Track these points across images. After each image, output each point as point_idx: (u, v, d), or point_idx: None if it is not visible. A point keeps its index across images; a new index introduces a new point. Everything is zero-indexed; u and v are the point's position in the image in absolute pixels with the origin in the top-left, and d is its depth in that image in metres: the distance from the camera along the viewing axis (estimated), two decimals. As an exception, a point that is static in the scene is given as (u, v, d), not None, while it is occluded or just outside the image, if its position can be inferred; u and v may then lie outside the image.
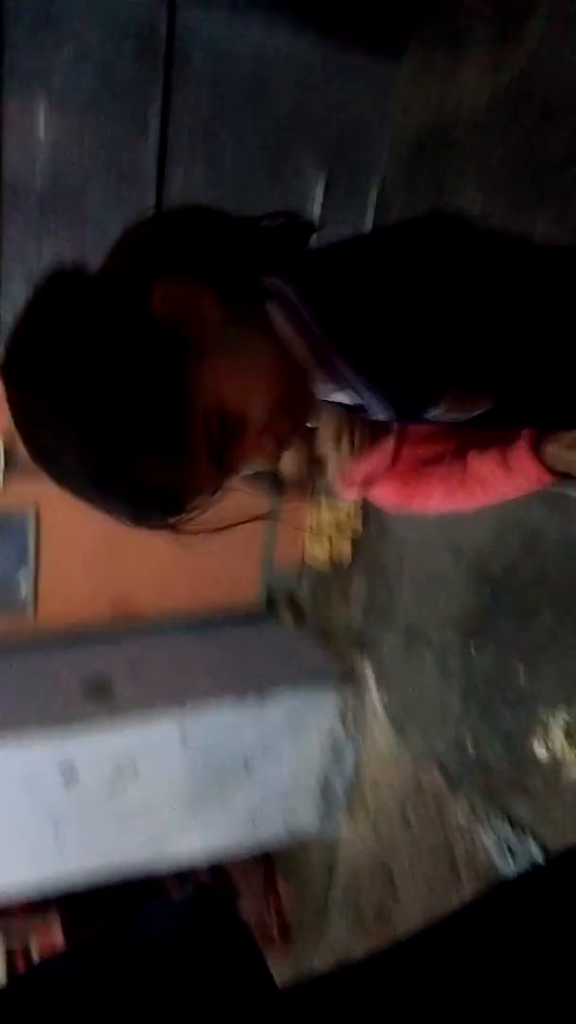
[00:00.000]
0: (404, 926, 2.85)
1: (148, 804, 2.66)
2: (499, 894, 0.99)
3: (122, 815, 2.62)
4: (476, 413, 0.76)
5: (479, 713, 2.42)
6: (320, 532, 3.00)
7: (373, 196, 2.44)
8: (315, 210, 2.35)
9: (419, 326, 0.65)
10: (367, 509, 2.85)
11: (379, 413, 0.75)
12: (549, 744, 2.14)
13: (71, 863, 2.60)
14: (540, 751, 2.16)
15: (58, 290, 0.66)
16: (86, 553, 2.74)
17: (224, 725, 2.67)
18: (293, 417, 0.70)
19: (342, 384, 0.74)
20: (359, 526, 2.89)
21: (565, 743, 2.08)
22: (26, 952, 2.83)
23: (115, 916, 0.71)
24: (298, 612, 3.20)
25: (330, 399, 0.81)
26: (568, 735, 2.08)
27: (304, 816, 3.04)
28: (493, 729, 2.37)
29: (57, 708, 2.52)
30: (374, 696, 2.87)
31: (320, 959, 3.30)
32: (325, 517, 2.95)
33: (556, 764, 2.12)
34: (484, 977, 0.78)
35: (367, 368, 0.70)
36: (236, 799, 2.85)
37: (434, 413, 0.75)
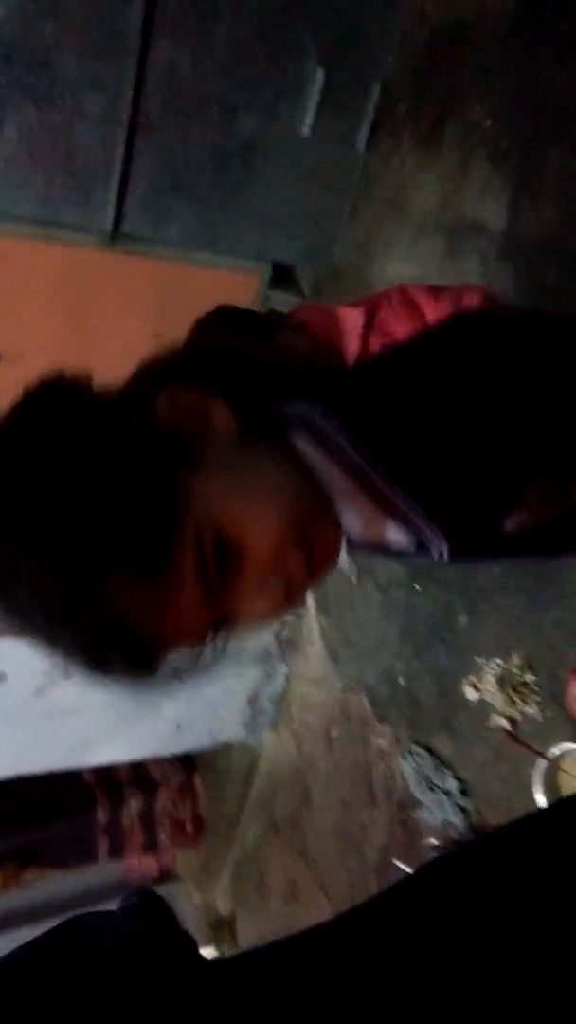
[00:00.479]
0: (314, 837, 2.99)
1: (76, 708, 2.65)
2: (437, 870, 1.00)
3: (49, 716, 2.60)
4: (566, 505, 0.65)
5: (415, 650, 2.46)
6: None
7: (373, 100, 2.24)
8: (309, 109, 2.15)
9: (474, 432, 0.56)
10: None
11: (436, 549, 0.64)
12: (480, 689, 2.19)
13: (-5, 760, 2.59)
14: (471, 694, 2.22)
15: (48, 392, 0.57)
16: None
17: (160, 638, 2.65)
18: (310, 557, 0.59)
19: (392, 516, 0.62)
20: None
21: (497, 690, 2.14)
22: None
23: (56, 931, 0.67)
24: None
25: (375, 542, 0.68)
26: (500, 683, 2.14)
27: (230, 726, 3.10)
28: (427, 667, 2.42)
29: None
30: (312, 620, 2.89)
31: (230, 857, 3.46)
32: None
33: (484, 708, 2.18)
34: (422, 953, 0.78)
35: (419, 493, 0.58)
36: (164, 707, 2.87)
37: (515, 522, 0.64)
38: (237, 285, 2.60)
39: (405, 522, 0.62)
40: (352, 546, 0.68)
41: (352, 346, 1.43)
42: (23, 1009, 0.63)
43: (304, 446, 0.58)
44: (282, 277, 2.75)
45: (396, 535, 0.67)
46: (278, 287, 2.74)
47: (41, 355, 2.45)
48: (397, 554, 0.71)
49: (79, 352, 2.50)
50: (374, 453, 0.57)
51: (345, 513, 0.61)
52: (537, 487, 0.62)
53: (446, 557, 0.68)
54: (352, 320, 1.45)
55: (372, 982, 0.79)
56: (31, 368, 2.22)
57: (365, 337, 1.43)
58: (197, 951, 0.76)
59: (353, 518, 0.62)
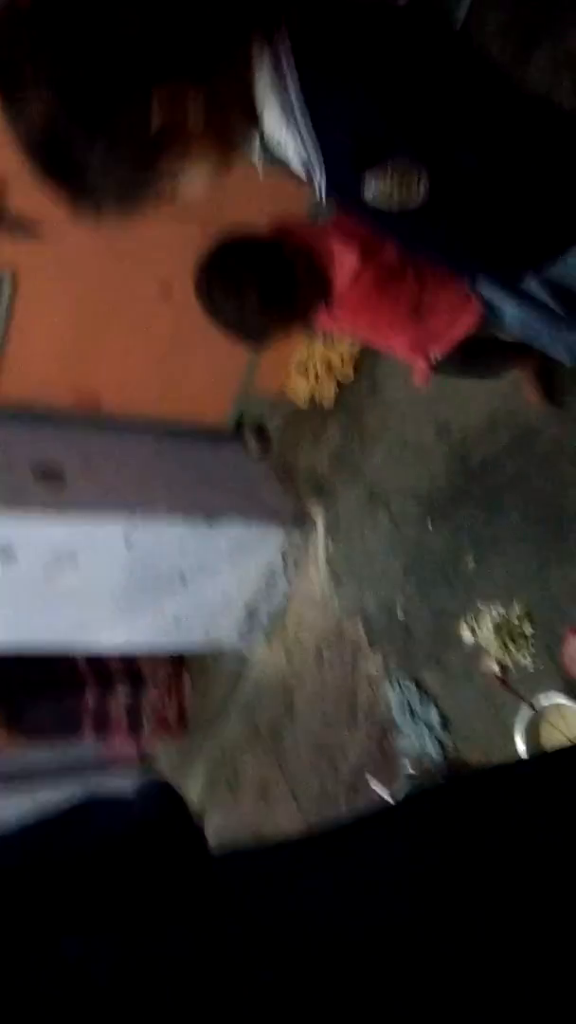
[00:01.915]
0: (292, 747, 3.10)
1: (80, 594, 2.71)
2: (418, 802, 1.03)
3: (54, 599, 2.66)
4: (411, 205, 0.81)
5: (417, 585, 2.49)
6: (307, 367, 2.88)
7: None
8: None
9: (380, 88, 0.75)
10: (362, 361, 2.72)
11: (317, 174, 0.84)
12: (477, 632, 2.23)
13: (-4, 633, 2.67)
14: (466, 635, 2.25)
15: None
16: (60, 332, 2.56)
17: (169, 538, 2.68)
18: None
19: (297, 137, 0.82)
20: (350, 374, 2.77)
21: (493, 636, 2.17)
22: None
23: (71, 810, 0.69)
24: (264, 443, 3.14)
25: (279, 150, 0.89)
26: (497, 629, 2.17)
27: (225, 631, 3.17)
28: (426, 603, 2.45)
29: (3, 485, 2.46)
30: (319, 542, 2.91)
31: (208, 752, 3.60)
32: (317, 353, 2.81)
33: (477, 651, 2.22)
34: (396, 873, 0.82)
35: (323, 122, 0.80)
36: (165, 606, 2.93)
37: (371, 192, 0.81)
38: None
39: (303, 144, 0.83)
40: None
41: None
42: (27, 881, 0.66)
43: (264, 68, 0.80)
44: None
45: (293, 155, 0.88)
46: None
47: (81, 231, 2.38)
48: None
49: (122, 233, 2.42)
50: (305, 80, 0.78)
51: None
52: (391, 164, 0.80)
53: (322, 189, 0.89)
54: None
55: (350, 891, 0.82)
56: (73, 244, 2.13)
57: None
58: (206, 843, 0.79)
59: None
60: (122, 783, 3.78)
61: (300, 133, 0.82)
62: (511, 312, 1.11)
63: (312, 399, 2.91)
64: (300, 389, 2.93)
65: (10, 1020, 0.54)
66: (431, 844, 0.81)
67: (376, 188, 0.81)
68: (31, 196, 2.24)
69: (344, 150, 0.82)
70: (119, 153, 0.82)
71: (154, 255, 2.51)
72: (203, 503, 2.77)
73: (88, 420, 2.82)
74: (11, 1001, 0.55)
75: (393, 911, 0.70)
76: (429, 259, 1.25)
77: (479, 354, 1.73)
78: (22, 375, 2.61)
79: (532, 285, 0.98)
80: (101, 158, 0.82)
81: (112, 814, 0.74)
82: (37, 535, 2.45)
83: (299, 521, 2.92)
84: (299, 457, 3.06)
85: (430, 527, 2.44)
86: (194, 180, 0.89)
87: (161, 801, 0.77)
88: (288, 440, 3.13)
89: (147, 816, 0.74)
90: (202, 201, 0.93)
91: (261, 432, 3.15)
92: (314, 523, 2.92)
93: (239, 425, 3.14)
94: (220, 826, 3.54)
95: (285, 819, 3.11)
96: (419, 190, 0.81)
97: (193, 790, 3.72)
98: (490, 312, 1.21)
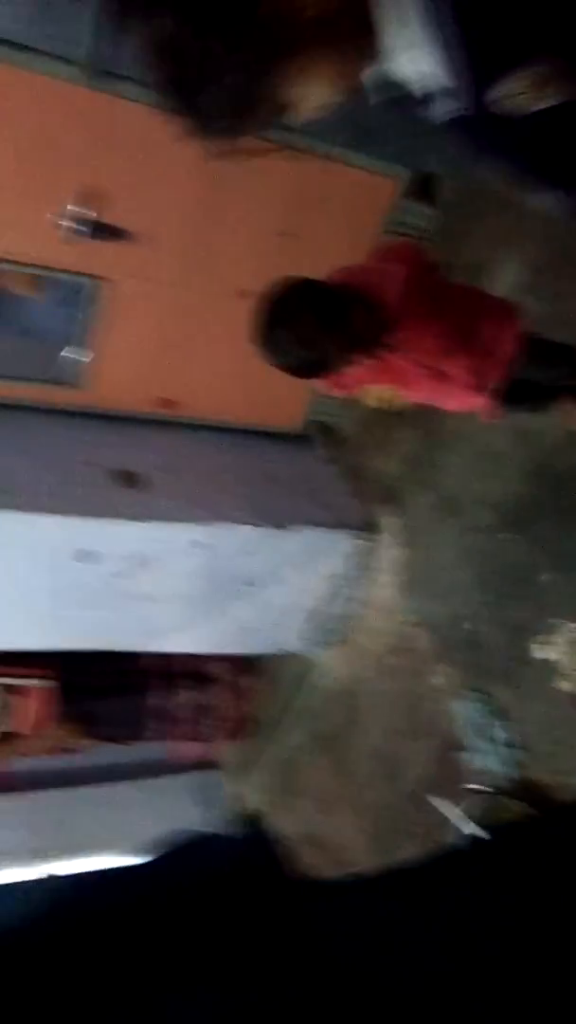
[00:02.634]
0: (353, 755, 3.07)
1: (151, 595, 2.74)
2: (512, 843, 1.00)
3: (128, 601, 2.71)
4: (542, 104, 0.78)
5: (490, 599, 2.43)
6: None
7: None
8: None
9: None
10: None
11: (450, 77, 0.79)
12: (549, 649, 2.17)
13: (65, 633, 2.72)
14: (538, 653, 2.19)
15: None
16: (145, 339, 2.61)
17: (240, 543, 2.69)
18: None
19: (430, 34, 0.77)
20: (424, 381, 2.73)
21: (566, 654, 2.11)
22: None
23: (165, 846, 0.69)
24: (335, 447, 3.12)
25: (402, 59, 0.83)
26: (572, 646, 2.10)
27: (290, 637, 3.17)
28: (498, 617, 2.39)
29: (86, 488, 2.51)
30: (388, 549, 2.88)
31: (268, 756, 3.59)
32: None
33: (549, 669, 2.16)
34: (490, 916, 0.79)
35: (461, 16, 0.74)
36: (233, 609, 2.95)
37: (505, 89, 0.77)
38: (372, 189, 2.49)
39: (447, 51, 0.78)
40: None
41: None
42: (133, 923, 0.65)
43: None
44: (419, 188, 2.60)
45: (417, 61, 0.83)
46: (413, 197, 2.60)
47: (169, 240, 2.42)
48: (409, 103, 0.88)
49: (206, 240, 2.46)
50: None
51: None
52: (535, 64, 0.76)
53: (449, 100, 0.83)
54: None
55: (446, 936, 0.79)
56: (164, 251, 2.18)
57: None
58: (297, 888, 0.77)
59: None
60: (185, 785, 3.82)
61: (430, 32, 0.77)
62: None
63: (384, 403, 2.88)
64: (375, 393, 2.90)
65: None
66: (521, 887, 0.78)
67: (510, 88, 0.78)
68: (127, 208, 2.31)
69: (479, 48, 0.78)
70: (235, 59, 0.78)
71: (234, 264, 2.53)
72: (274, 508, 2.77)
73: (167, 425, 2.86)
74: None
75: (484, 957, 0.67)
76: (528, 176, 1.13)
77: (524, 394, 1.79)
78: (109, 381, 2.67)
79: None
80: (217, 63, 0.79)
81: (220, 853, 0.73)
82: (115, 539, 2.49)
83: (368, 527, 2.89)
84: (370, 462, 3.03)
85: (504, 539, 2.38)
86: (311, 94, 0.84)
87: (260, 845, 0.76)
88: (360, 444, 3.11)
89: (249, 859, 0.73)
90: (318, 115, 0.88)
91: (332, 436, 3.13)
92: (383, 529, 2.89)
93: (311, 429, 3.13)
94: (279, 831, 3.52)
95: (345, 829, 3.08)
96: (553, 92, 0.78)
97: (253, 793, 3.73)
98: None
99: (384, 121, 2.29)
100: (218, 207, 2.41)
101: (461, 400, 1.74)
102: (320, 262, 2.62)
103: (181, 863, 0.72)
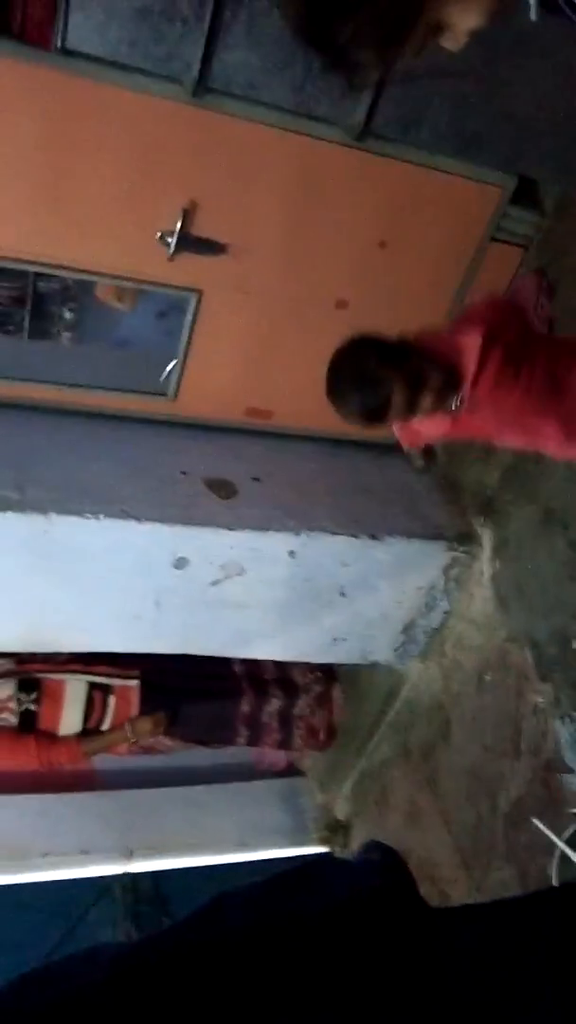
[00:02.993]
0: (446, 771, 3.00)
1: (243, 603, 2.75)
2: None
3: (217, 606, 2.72)
4: None
5: (596, 616, 2.33)
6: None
7: None
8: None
9: None
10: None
11: None
12: None
13: (162, 637, 2.76)
14: None
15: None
16: (238, 349, 2.61)
17: (332, 553, 2.67)
18: None
19: None
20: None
21: None
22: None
23: (296, 872, 0.69)
24: (430, 456, 3.06)
25: None
26: None
27: (380, 648, 3.12)
28: (606, 636, 2.29)
29: (182, 497, 2.54)
30: (485, 562, 2.80)
31: (357, 768, 3.56)
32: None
33: None
34: None
35: None
36: (323, 619, 2.93)
37: None
38: (476, 197, 2.42)
39: None
40: None
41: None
42: (255, 942, 0.64)
43: None
44: (524, 194, 2.52)
45: None
46: (519, 204, 2.52)
47: (263, 250, 2.41)
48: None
49: (301, 250, 2.44)
50: None
51: None
52: None
53: None
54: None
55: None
56: (259, 262, 2.19)
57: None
58: (429, 909, 0.75)
59: None
60: (271, 791, 3.83)
61: None
62: None
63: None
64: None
65: None
66: None
67: None
68: (224, 221, 2.32)
69: None
70: None
71: (331, 275, 2.51)
72: (367, 518, 2.73)
73: (259, 434, 2.86)
74: None
75: None
76: None
77: None
78: (200, 391, 2.68)
79: None
80: None
81: (339, 876, 0.72)
82: (211, 547, 2.51)
83: (464, 539, 2.82)
84: (467, 472, 2.96)
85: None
86: (462, 18, 0.79)
87: (385, 867, 0.74)
88: (456, 453, 3.04)
89: (372, 881, 0.71)
90: (465, 43, 0.81)
91: (426, 445, 3.07)
92: (480, 542, 2.81)
93: (404, 439, 3.08)
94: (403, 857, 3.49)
95: (436, 845, 3.02)
96: None
97: (340, 805, 3.70)
98: None
99: (491, 125, 2.22)
100: (315, 217, 2.39)
101: (557, 450, 1.71)
102: (420, 273, 2.59)
103: (302, 879, 0.71)
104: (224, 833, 3.61)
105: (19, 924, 3.15)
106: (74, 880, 3.34)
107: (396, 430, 1.81)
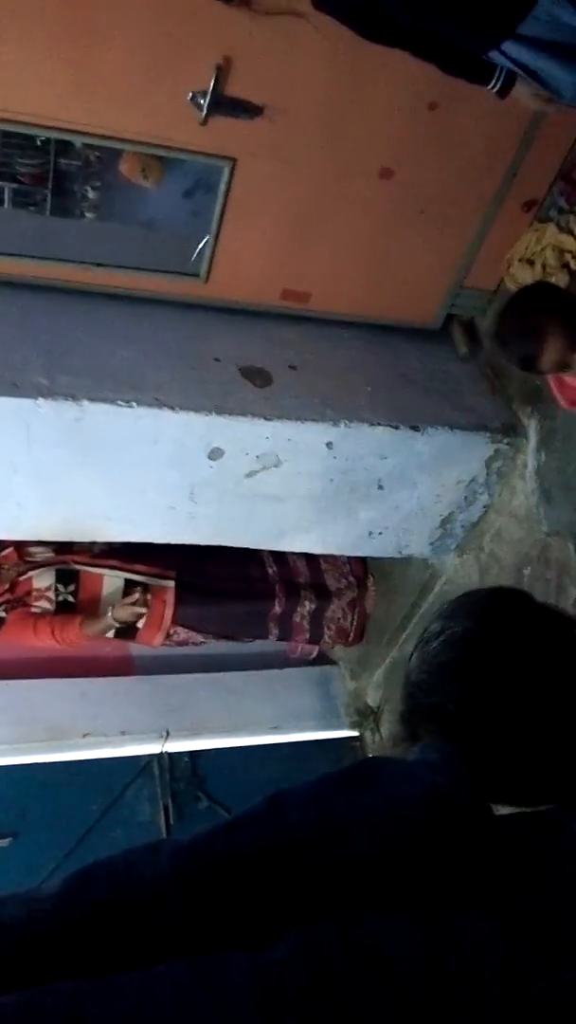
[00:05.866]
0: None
1: (279, 495, 2.70)
2: None
3: (253, 498, 2.67)
4: None
5: None
6: (534, 256, 2.58)
7: None
8: None
9: None
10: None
11: None
12: None
13: (196, 529, 2.73)
14: None
15: None
16: (275, 224, 2.44)
17: (371, 444, 2.58)
18: None
19: None
20: (585, 267, 2.46)
21: None
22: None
23: (352, 771, 0.66)
24: (476, 343, 2.91)
25: None
26: None
27: (417, 542, 3.08)
28: None
29: (215, 385, 2.44)
30: (530, 454, 2.70)
31: (388, 658, 3.60)
32: (548, 238, 2.51)
33: None
34: None
35: None
36: (360, 512, 2.87)
37: None
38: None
39: None
40: None
41: None
42: (318, 838, 0.62)
43: None
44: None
45: None
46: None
47: (303, 113, 2.21)
48: None
49: (345, 113, 2.23)
50: None
51: None
52: None
53: None
54: None
55: None
56: (298, 126, 1.99)
57: None
58: (489, 810, 0.72)
59: None
60: (304, 678, 3.91)
61: None
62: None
63: None
64: (523, 281, 2.65)
65: (319, 996, 0.51)
66: None
67: None
68: (259, 80, 2.11)
69: None
70: None
71: (376, 140, 2.30)
72: (408, 408, 2.63)
73: (296, 319, 2.72)
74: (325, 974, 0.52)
75: None
76: None
77: None
78: (233, 272, 2.53)
79: None
80: None
81: (398, 776, 0.69)
82: (243, 437, 2.43)
83: (508, 430, 2.71)
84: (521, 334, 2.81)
85: None
86: None
87: (445, 767, 0.71)
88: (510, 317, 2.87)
89: (436, 780, 0.68)
90: None
91: (473, 331, 2.92)
92: (526, 433, 2.70)
93: (448, 322, 2.92)
94: (394, 734, 3.57)
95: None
96: None
97: (371, 692, 3.77)
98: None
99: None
100: (360, 75, 2.16)
101: None
102: (474, 138, 2.36)
103: (360, 778, 0.69)
104: (258, 717, 3.72)
105: (62, 800, 3.30)
106: (113, 759, 3.47)
107: (554, 386, 1.88)
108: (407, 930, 0.55)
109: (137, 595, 3.05)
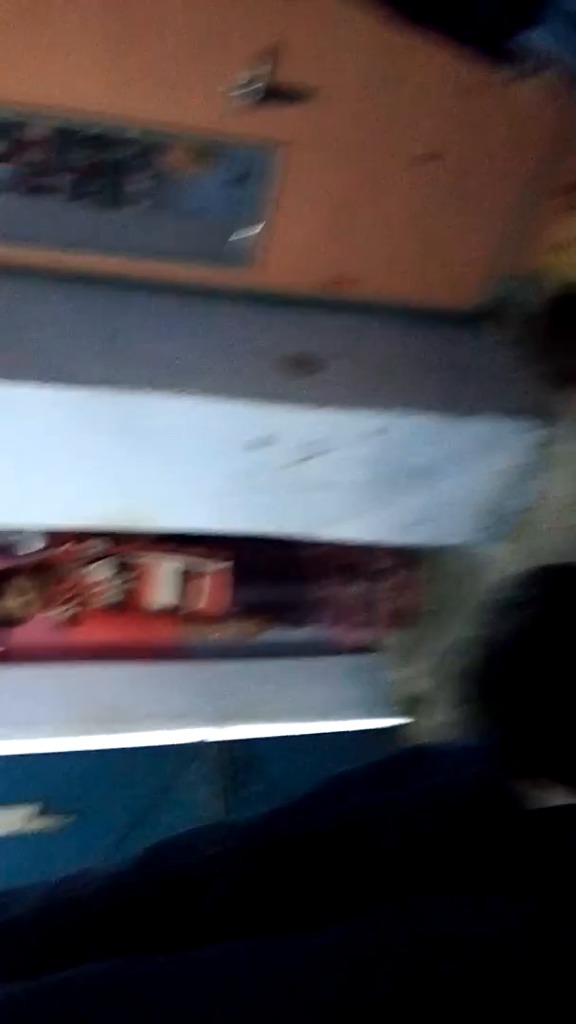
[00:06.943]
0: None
1: (325, 482, 2.71)
2: None
3: (301, 487, 2.69)
4: None
5: None
6: (572, 243, 2.55)
7: None
8: None
9: None
10: None
11: None
12: None
13: (246, 518, 2.76)
14: None
15: None
16: (320, 212, 2.45)
17: (420, 432, 2.58)
18: None
19: None
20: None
21: None
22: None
23: (400, 757, 0.68)
24: (520, 329, 2.87)
25: None
26: None
27: (465, 530, 3.06)
28: None
29: (260, 373, 2.47)
30: (573, 440, 2.66)
31: (437, 646, 3.59)
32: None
33: None
34: None
35: None
36: (406, 501, 2.87)
37: None
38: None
39: None
40: None
41: None
42: (366, 823, 0.63)
43: None
44: None
45: None
46: None
47: (353, 98, 2.21)
48: None
49: (394, 97, 2.23)
50: None
51: None
52: None
53: None
54: None
55: None
56: (341, 112, 1.99)
57: None
58: (522, 805, 0.73)
59: None
60: (349, 666, 3.92)
61: None
62: None
63: (580, 280, 2.60)
64: (562, 268, 2.62)
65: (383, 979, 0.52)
66: None
67: None
68: (303, 66, 2.11)
69: None
70: None
71: (420, 125, 2.29)
72: (452, 395, 2.61)
73: (339, 307, 2.73)
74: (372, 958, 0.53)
75: None
76: None
77: None
78: (280, 260, 2.55)
79: None
80: None
81: (445, 762, 0.70)
82: (291, 426, 2.45)
83: (557, 416, 2.68)
84: (559, 344, 2.77)
85: None
86: None
87: (488, 756, 0.72)
88: (547, 326, 2.84)
89: (483, 768, 0.70)
90: None
91: (517, 317, 2.88)
92: (568, 418, 2.66)
93: (494, 309, 2.89)
94: (443, 723, 3.57)
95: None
96: None
97: (419, 680, 3.77)
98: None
99: None
100: (403, 61, 2.15)
101: None
102: (516, 124, 2.33)
103: (405, 765, 0.71)
104: (308, 705, 3.75)
105: (118, 783, 3.39)
106: (167, 745, 3.55)
107: None
108: (458, 915, 0.57)
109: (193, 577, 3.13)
